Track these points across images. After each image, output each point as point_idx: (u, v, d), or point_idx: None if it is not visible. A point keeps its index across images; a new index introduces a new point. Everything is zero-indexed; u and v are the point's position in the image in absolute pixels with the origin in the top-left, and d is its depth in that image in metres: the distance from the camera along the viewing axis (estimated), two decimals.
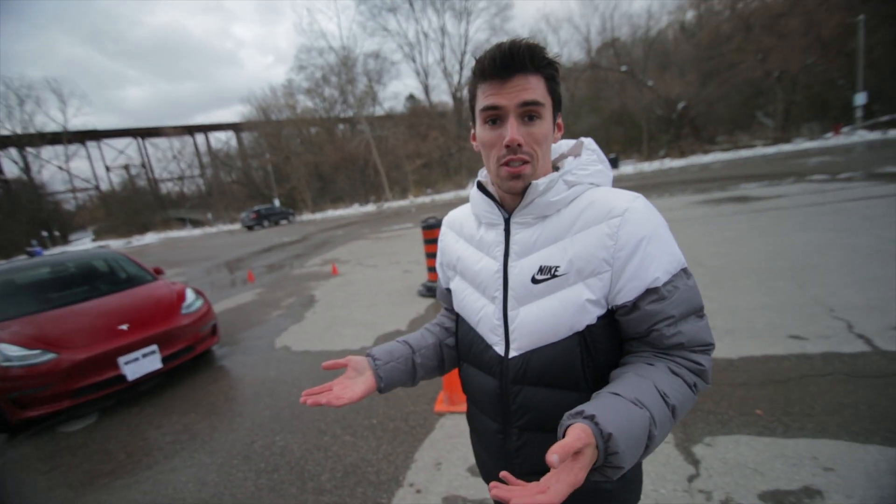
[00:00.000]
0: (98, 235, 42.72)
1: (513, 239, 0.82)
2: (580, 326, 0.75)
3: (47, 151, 43.79)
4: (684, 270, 0.74)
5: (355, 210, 32.58)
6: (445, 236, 1.00)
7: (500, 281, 0.83)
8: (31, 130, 40.55)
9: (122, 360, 3.49)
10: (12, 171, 41.36)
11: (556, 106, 0.78)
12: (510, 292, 0.81)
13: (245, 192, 44.82)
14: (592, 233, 0.74)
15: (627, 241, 0.71)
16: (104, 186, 49.31)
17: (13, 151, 40.52)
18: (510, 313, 0.81)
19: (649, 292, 0.71)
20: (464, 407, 2.82)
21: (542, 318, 0.77)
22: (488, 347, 0.86)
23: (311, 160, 39.30)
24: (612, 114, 30.63)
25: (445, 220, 1.02)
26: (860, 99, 21.65)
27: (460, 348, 0.96)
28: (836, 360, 2.67)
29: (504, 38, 0.75)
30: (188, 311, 4.15)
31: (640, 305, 0.71)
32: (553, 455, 0.51)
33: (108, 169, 50.18)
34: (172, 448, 2.87)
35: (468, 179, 33.12)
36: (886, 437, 1.97)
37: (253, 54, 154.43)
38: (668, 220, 0.78)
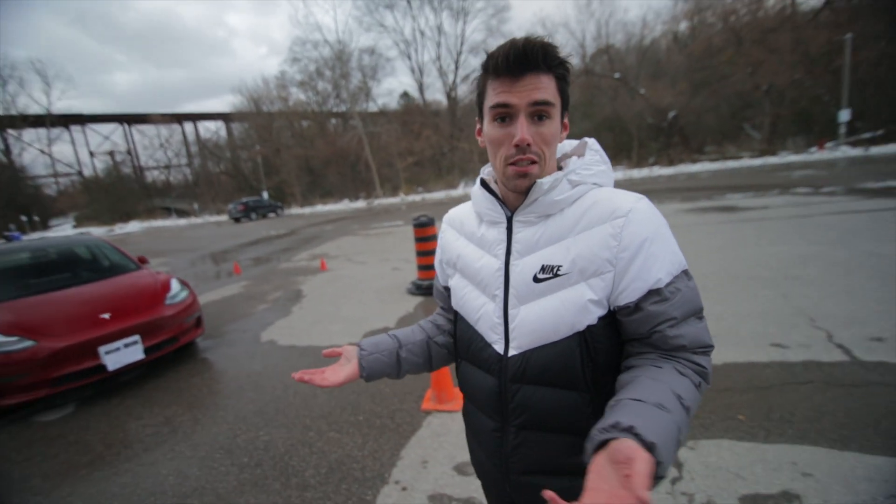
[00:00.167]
0: (79, 222, 41.72)
1: (515, 237, 0.82)
2: (581, 326, 0.75)
3: (29, 134, 42.65)
4: (685, 272, 0.74)
5: (345, 206, 32.38)
6: (445, 233, 1.00)
7: (502, 279, 0.83)
8: (13, 112, 39.42)
9: (102, 349, 3.41)
10: None
11: (565, 106, 0.78)
12: (511, 291, 0.81)
13: (233, 183, 44.20)
14: (596, 233, 0.74)
15: (631, 242, 0.71)
16: (87, 172, 48.27)
17: None
18: (510, 312, 0.81)
19: (651, 293, 0.71)
20: (451, 405, 2.83)
21: (544, 317, 0.77)
22: (487, 345, 0.86)
23: (302, 154, 38.90)
24: (604, 119, 30.93)
25: (446, 218, 1.02)
26: (844, 115, 22.22)
27: (458, 346, 0.96)
28: (816, 369, 2.73)
29: (503, 38, 0.75)
30: (172, 301, 4.07)
31: (643, 306, 0.72)
32: (642, 491, 0.48)
33: (91, 154, 49.06)
34: (153, 440, 2.81)
35: (460, 179, 33.17)
36: (863, 444, 2.03)
37: (246, 44, 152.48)
38: None
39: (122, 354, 3.50)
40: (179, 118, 50.93)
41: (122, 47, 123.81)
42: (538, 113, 0.73)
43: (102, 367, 3.41)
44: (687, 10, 30.87)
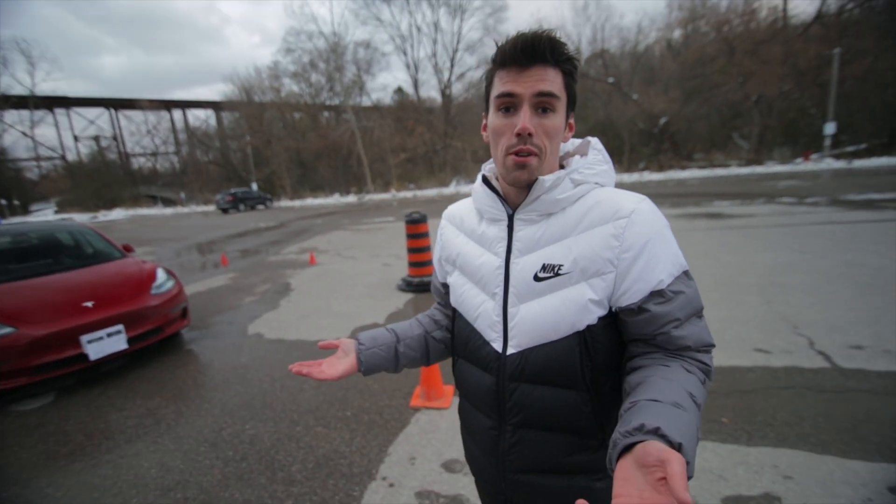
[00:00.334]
0: (61, 207, 40.71)
1: (516, 235, 0.82)
2: (581, 326, 0.75)
3: (11, 115, 41.28)
4: (686, 273, 0.75)
5: (335, 200, 32.14)
6: (445, 230, 1.00)
7: (502, 277, 0.82)
8: None
9: (84, 338, 3.34)
10: None
11: (571, 104, 0.78)
12: (511, 289, 0.81)
13: (222, 173, 43.54)
14: (598, 233, 0.74)
15: (633, 243, 0.72)
16: (71, 157, 47.00)
17: None
18: (510, 310, 0.81)
19: (654, 294, 0.71)
20: (440, 403, 2.83)
21: (543, 316, 0.77)
22: (486, 343, 0.85)
23: (293, 146, 38.47)
24: (596, 123, 31.16)
25: (445, 215, 1.01)
26: (829, 128, 22.73)
27: (456, 344, 0.96)
28: (798, 375, 2.79)
29: (499, 38, 0.75)
30: (158, 291, 4.00)
31: (646, 307, 0.72)
32: (684, 493, 0.46)
33: (76, 139, 47.82)
34: (135, 432, 2.76)
35: (452, 177, 33.15)
36: (841, 449, 2.08)
37: (238, 32, 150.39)
38: None
39: (104, 344, 3.43)
40: (168, 105, 49.93)
41: (111, 30, 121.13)
42: (542, 105, 0.72)
43: (84, 357, 3.34)
44: (681, 18, 31.25)
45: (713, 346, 0.75)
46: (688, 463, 0.52)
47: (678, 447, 0.53)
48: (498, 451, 0.87)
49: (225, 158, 44.46)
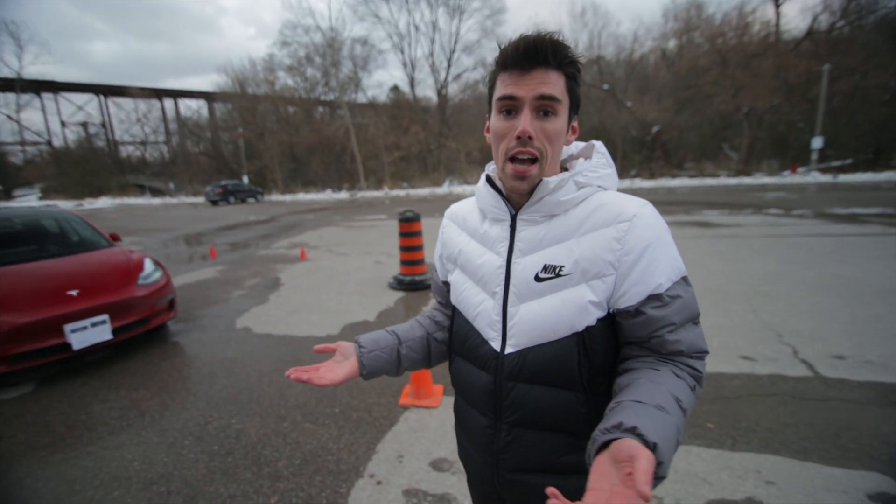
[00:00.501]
0: (46, 194, 39.88)
1: (518, 236, 0.82)
2: (580, 327, 0.75)
3: None
4: (684, 278, 0.76)
5: (327, 196, 31.92)
6: (447, 229, 1.00)
7: (503, 277, 0.83)
8: None
9: (68, 327, 3.27)
10: None
11: (574, 108, 0.78)
12: (511, 289, 0.81)
13: (212, 164, 42.91)
14: (600, 235, 0.75)
15: (634, 246, 0.72)
16: (57, 142, 46.00)
17: None
18: (510, 310, 0.81)
19: (652, 298, 0.72)
20: (429, 402, 2.83)
21: (543, 316, 0.77)
22: (484, 342, 0.86)
23: (286, 140, 38.10)
24: (590, 129, 31.38)
25: (448, 213, 1.01)
26: (817, 143, 23.18)
27: (454, 342, 0.96)
28: (782, 382, 2.85)
29: (497, 40, 0.75)
30: (145, 282, 3.94)
31: (643, 310, 0.73)
32: (645, 486, 0.48)
33: (63, 124, 46.85)
34: (118, 424, 2.72)
35: (445, 178, 33.12)
36: (822, 456, 2.12)
37: (234, 23, 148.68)
38: None
39: (88, 333, 3.37)
40: (159, 93, 49.12)
41: (103, 15, 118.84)
42: (543, 108, 0.73)
43: (67, 346, 3.28)
44: (677, 28, 31.64)
45: (706, 352, 0.76)
46: (661, 463, 0.55)
47: (653, 447, 0.55)
48: (492, 449, 0.87)
49: (216, 150, 43.86)
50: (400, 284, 5.63)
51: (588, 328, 0.76)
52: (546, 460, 0.82)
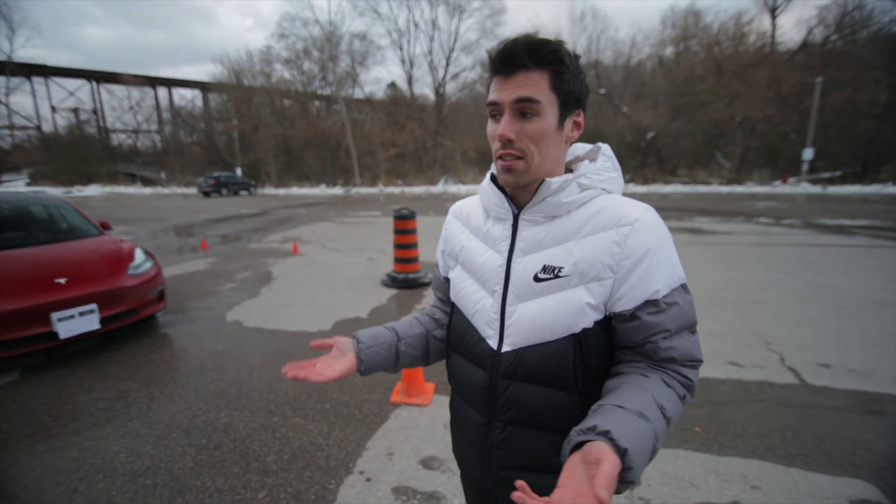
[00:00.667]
0: (34, 180, 39.10)
1: (520, 235, 0.82)
2: (576, 328, 0.76)
3: None
4: (683, 286, 0.76)
5: (321, 191, 31.73)
6: (451, 225, 1.00)
7: (503, 275, 0.83)
8: None
9: (55, 315, 3.22)
10: None
11: (568, 103, 0.76)
12: (511, 288, 0.81)
13: (205, 155, 42.40)
14: (600, 238, 0.75)
15: (634, 251, 0.73)
16: (47, 128, 45.20)
17: None
18: (508, 308, 0.82)
19: (648, 303, 0.72)
20: (420, 399, 2.82)
21: (540, 316, 0.78)
22: (481, 340, 0.86)
23: (281, 133, 37.79)
24: (585, 133, 30.82)
25: (452, 210, 1.01)
26: (808, 154, 23.55)
27: (451, 338, 0.96)
28: (769, 389, 2.89)
29: (496, 40, 0.75)
30: (135, 272, 3.89)
31: (639, 315, 0.73)
32: (602, 490, 0.50)
33: (53, 109, 46.02)
34: (105, 415, 2.68)
35: (440, 176, 33.10)
36: (807, 462, 2.16)
37: (231, 14, 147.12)
38: None
39: (76, 322, 3.32)
40: (153, 82, 48.42)
41: (98, 0, 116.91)
42: (522, 110, 0.73)
43: (53, 335, 3.22)
44: (674, 36, 31.97)
45: (700, 361, 0.76)
46: (630, 468, 0.56)
47: (623, 452, 0.56)
48: (486, 446, 0.87)
49: (209, 141, 43.35)
50: (393, 282, 5.61)
51: (584, 330, 0.76)
52: (538, 459, 0.83)
